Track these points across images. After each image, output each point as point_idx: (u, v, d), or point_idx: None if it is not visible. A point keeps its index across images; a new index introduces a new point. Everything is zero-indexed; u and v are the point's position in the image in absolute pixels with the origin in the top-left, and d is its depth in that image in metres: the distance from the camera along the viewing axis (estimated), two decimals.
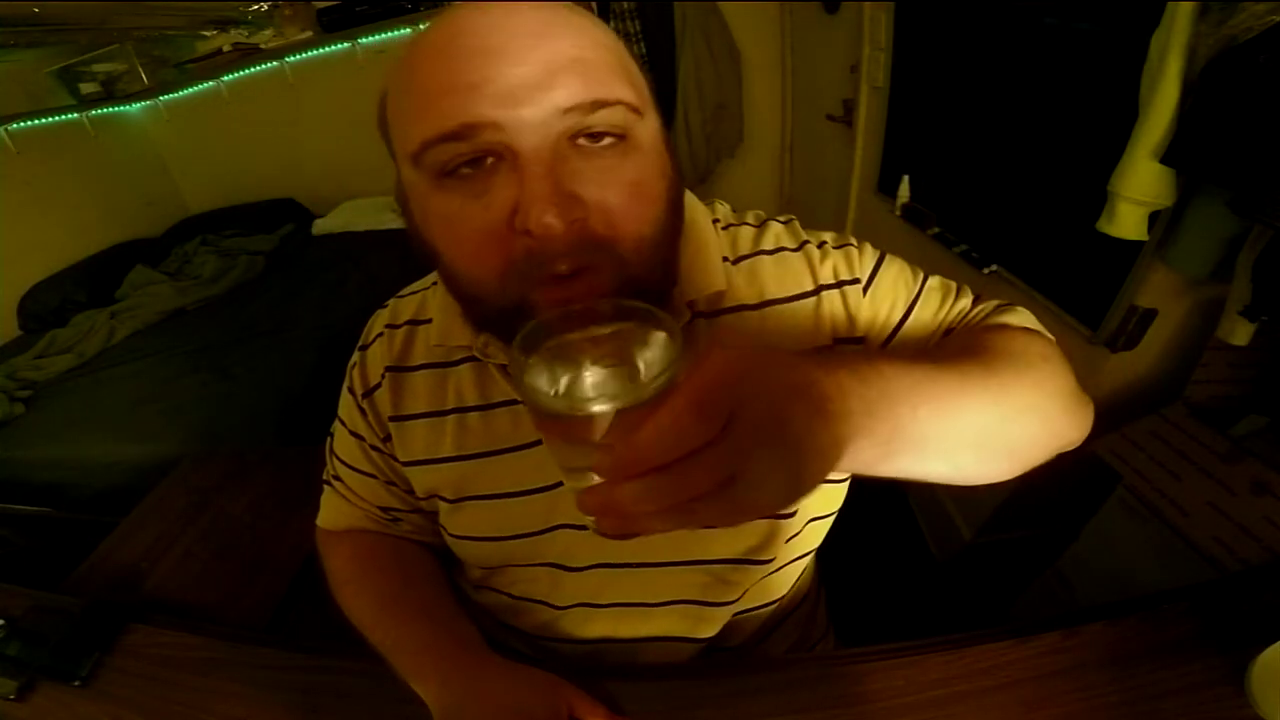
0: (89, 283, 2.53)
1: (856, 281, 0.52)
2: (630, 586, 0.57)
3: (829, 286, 0.52)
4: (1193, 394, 1.11)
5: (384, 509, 0.64)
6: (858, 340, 0.52)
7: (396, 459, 0.59)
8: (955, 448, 0.37)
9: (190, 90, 2.95)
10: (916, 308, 0.52)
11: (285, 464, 1.35)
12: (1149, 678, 0.52)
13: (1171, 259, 1.04)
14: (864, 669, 0.57)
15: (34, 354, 2.19)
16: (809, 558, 0.69)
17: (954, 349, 0.48)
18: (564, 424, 0.30)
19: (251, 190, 3.19)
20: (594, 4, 2.39)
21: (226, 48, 2.72)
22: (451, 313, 0.52)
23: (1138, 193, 0.97)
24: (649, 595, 0.58)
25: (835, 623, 0.78)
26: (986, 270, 1.50)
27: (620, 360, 0.32)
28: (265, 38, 2.69)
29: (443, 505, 0.58)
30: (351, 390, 0.60)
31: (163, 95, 2.95)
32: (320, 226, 2.97)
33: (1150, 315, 1.11)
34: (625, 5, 2.51)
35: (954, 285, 0.54)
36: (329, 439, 0.65)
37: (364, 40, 2.74)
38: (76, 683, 0.64)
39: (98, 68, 2.64)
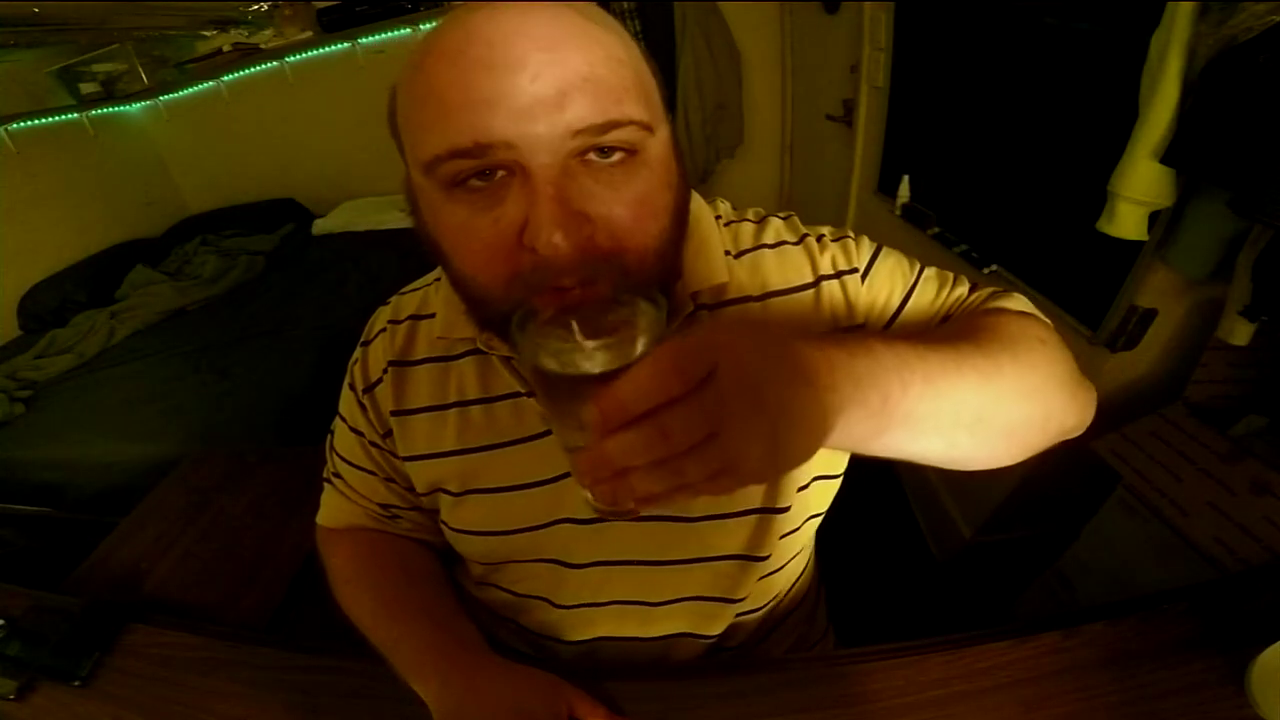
0: (89, 283, 2.54)
1: (855, 271, 0.53)
2: (631, 585, 0.58)
3: (829, 277, 0.53)
4: (1193, 394, 1.11)
5: (383, 506, 0.64)
6: (858, 328, 0.52)
7: (396, 455, 0.59)
8: (950, 426, 0.37)
9: (190, 90, 2.95)
10: (914, 295, 0.53)
11: (285, 464, 1.35)
12: (1149, 678, 0.53)
13: (1171, 259, 1.04)
14: (864, 669, 0.57)
15: (34, 354, 2.19)
16: (808, 556, 0.69)
17: (949, 331, 0.49)
18: (562, 391, 0.32)
19: (251, 190, 3.19)
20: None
21: (226, 48, 2.73)
22: (455, 306, 0.52)
23: (1138, 193, 0.97)
24: (650, 594, 0.58)
25: (835, 623, 0.78)
26: (986, 270, 1.50)
27: (613, 332, 0.34)
28: (265, 38, 2.69)
29: (445, 499, 0.58)
30: (352, 386, 0.60)
31: (163, 95, 2.96)
32: (320, 226, 2.97)
33: (1150, 315, 1.11)
34: (625, 5, 2.51)
35: (950, 275, 0.55)
36: (329, 436, 0.66)
37: (364, 40, 2.74)
38: (76, 683, 0.64)
39: (98, 68, 2.64)
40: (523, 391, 0.53)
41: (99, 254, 2.70)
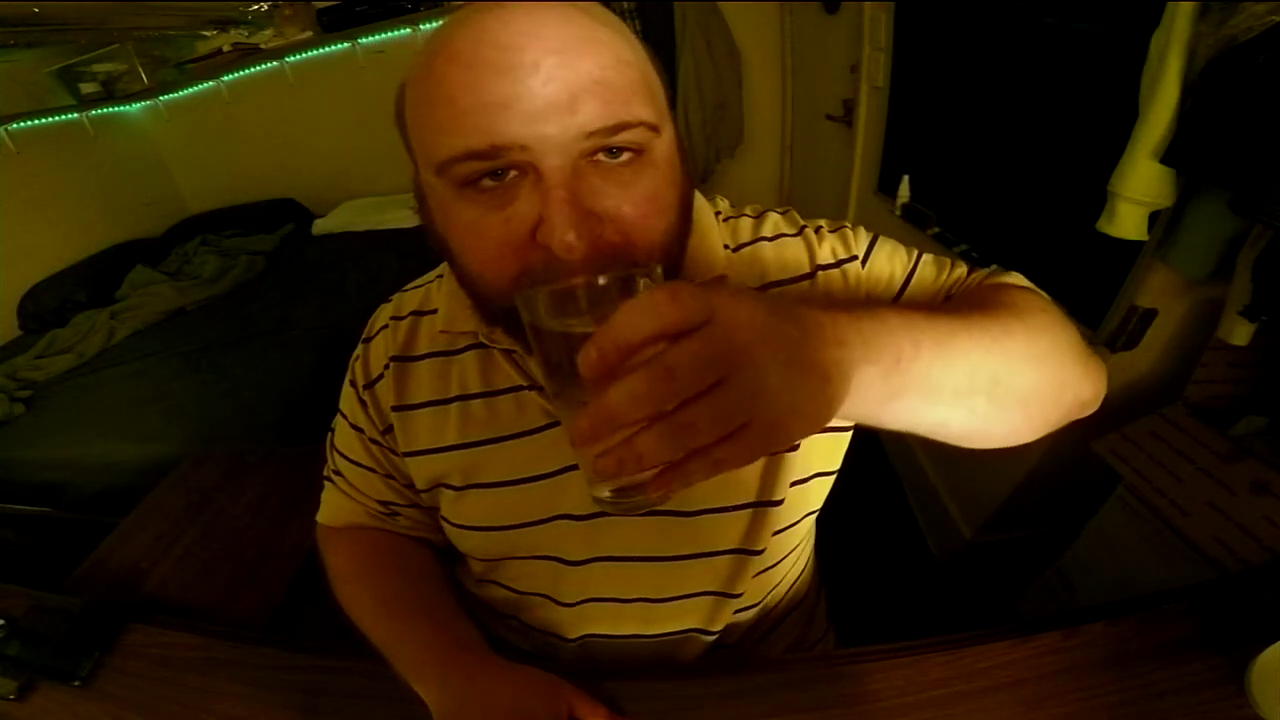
0: (89, 283, 2.54)
1: (855, 258, 0.54)
2: (631, 582, 0.58)
3: (828, 266, 0.53)
4: (1193, 394, 1.11)
5: (383, 503, 0.64)
6: None
7: (396, 451, 0.59)
8: (967, 390, 0.37)
9: (190, 90, 2.96)
10: (915, 275, 0.54)
11: (285, 463, 1.35)
12: (1149, 678, 0.53)
13: (1171, 259, 1.04)
14: (864, 669, 0.57)
15: (34, 354, 2.19)
16: (806, 555, 0.69)
17: (954, 304, 0.50)
18: (563, 358, 0.32)
19: (251, 190, 3.19)
20: None
21: (226, 48, 2.73)
22: (459, 300, 0.52)
23: (1138, 193, 0.97)
24: (651, 591, 0.58)
25: (835, 622, 0.78)
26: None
27: (612, 299, 0.34)
28: (265, 38, 2.69)
29: (446, 495, 0.58)
30: (353, 383, 0.60)
31: (163, 95, 2.96)
32: (320, 226, 2.97)
33: (1150, 315, 1.11)
34: (626, 5, 2.51)
35: (948, 259, 0.56)
36: (330, 434, 0.66)
37: (364, 40, 2.74)
38: (76, 683, 0.64)
39: (98, 68, 2.64)
40: (524, 385, 0.53)
41: (99, 254, 2.70)
